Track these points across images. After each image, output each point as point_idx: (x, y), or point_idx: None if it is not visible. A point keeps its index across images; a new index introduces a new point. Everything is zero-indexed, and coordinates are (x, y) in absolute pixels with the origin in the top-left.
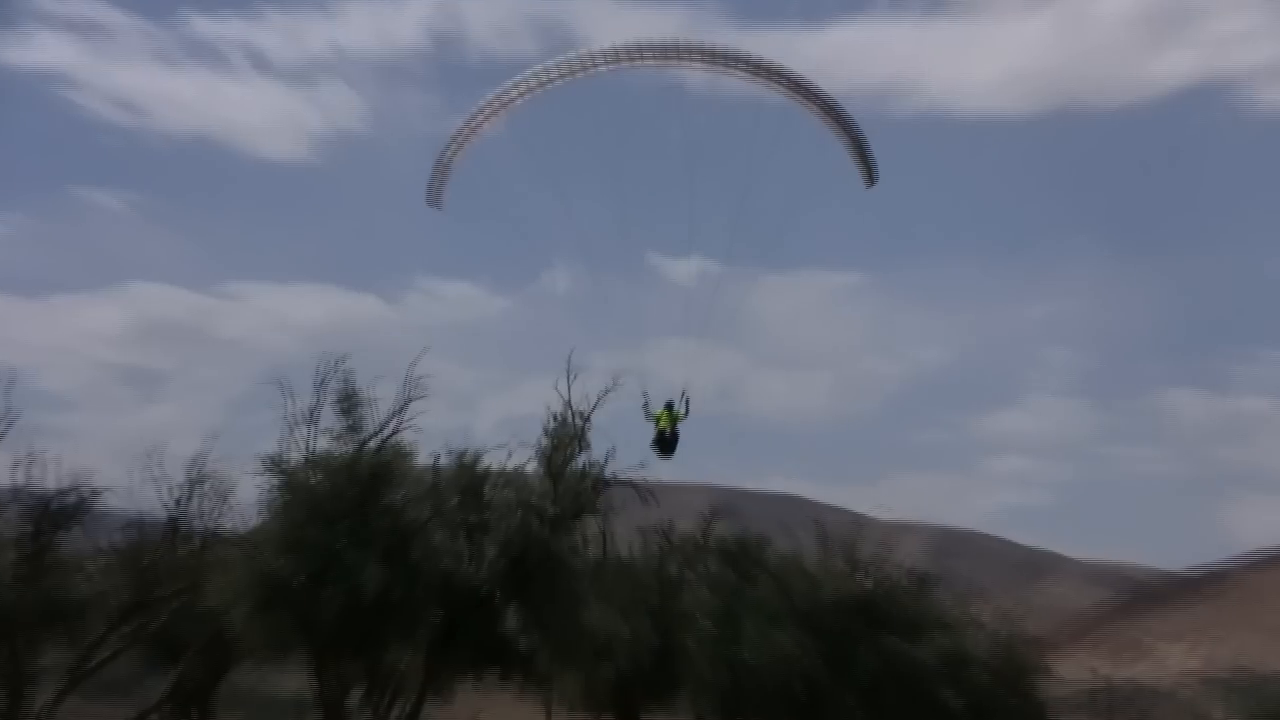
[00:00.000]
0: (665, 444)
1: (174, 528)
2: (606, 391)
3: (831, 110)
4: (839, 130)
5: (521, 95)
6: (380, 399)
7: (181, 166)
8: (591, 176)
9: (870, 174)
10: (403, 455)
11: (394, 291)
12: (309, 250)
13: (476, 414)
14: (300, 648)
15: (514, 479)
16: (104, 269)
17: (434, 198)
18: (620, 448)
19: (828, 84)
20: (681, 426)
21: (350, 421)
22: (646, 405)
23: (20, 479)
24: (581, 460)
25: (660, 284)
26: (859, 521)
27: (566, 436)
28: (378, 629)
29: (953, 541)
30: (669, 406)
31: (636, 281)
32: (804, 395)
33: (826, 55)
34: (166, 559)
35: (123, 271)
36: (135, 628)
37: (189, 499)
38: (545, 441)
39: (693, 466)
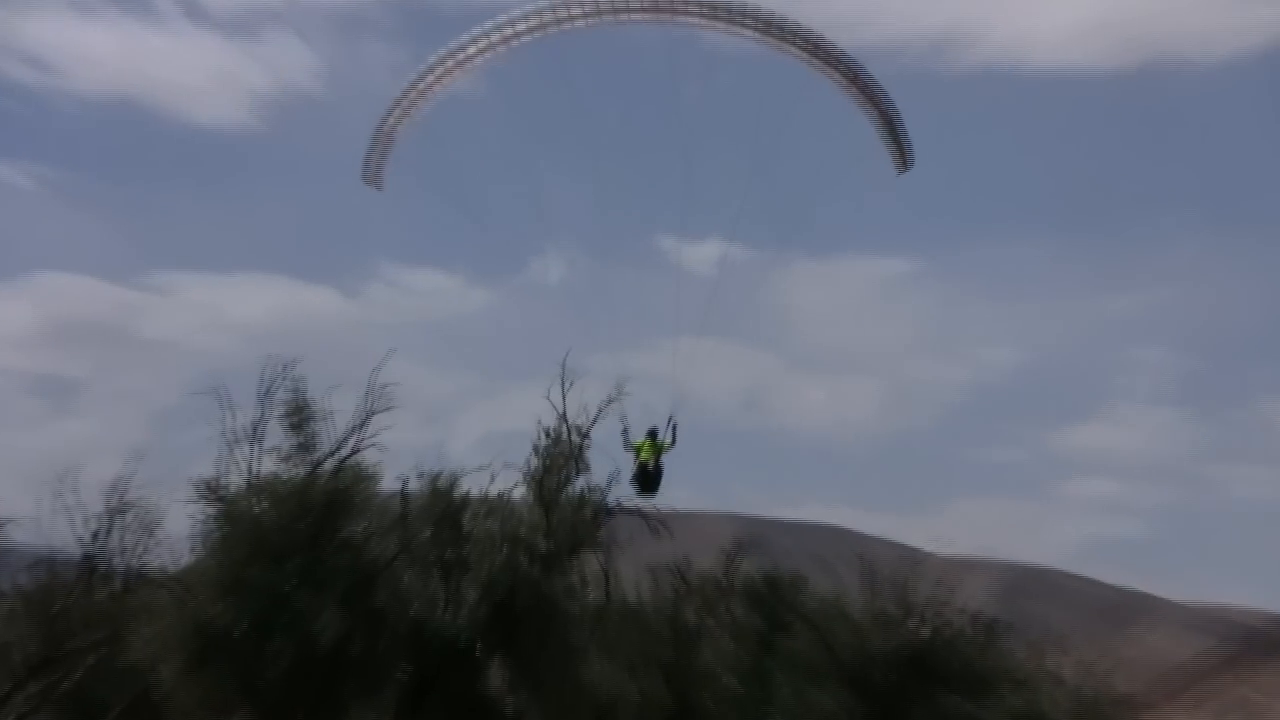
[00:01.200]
0: (647, 480)
1: (91, 567)
2: (610, 402)
3: (857, 79)
4: (865, 103)
5: (481, 52)
6: (337, 411)
7: (100, 135)
8: (591, 144)
9: (904, 157)
10: (364, 479)
11: (354, 282)
12: (252, 234)
13: (453, 429)
14: (243, 709)
15: (498, 507)
16: (8, 257)
17: (372, 174)
18: (626, 469)
19: (873, 33)
20: (694, 447)
21: (301, 439)
22: (626, 433)
23: None
24: (579, 485)
25: (673, 272)
26: (913, 557)
27: (561, 456)
28: (335, 687)
29: (1026, 581)
30: (652, 435)
31: (645, 269)
32: (847, 405)
33: None
34: (82, 604)
35: (30, 260)
36: (45, 686)
37: (108, 532)
38: (536, 462)
39: (714, 491)
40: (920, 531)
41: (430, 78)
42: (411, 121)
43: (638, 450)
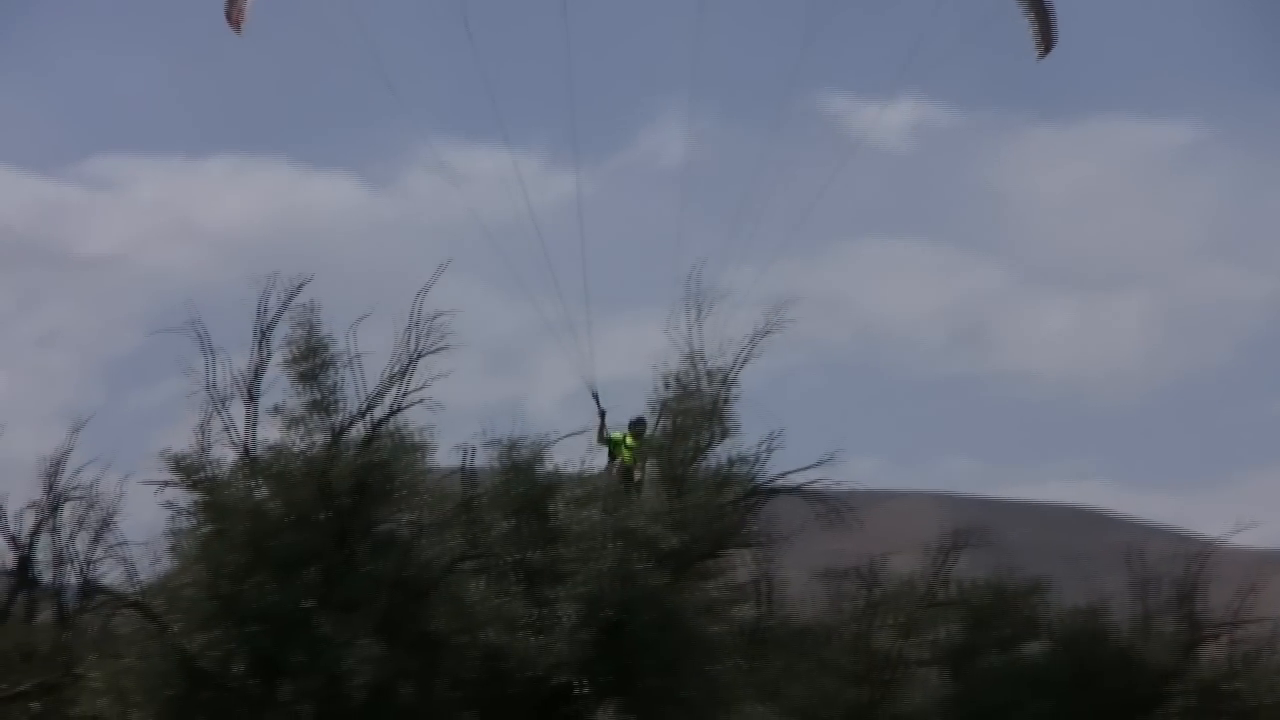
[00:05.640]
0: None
1: (26, 580)
2: (762, 334)
3: None
4: None
5: None
6: (367, 354)
7: None
8: None
9: (1045, 32)
10: (410, 450)
11: (383, 167)
12: (233, 99)
13: (533, 378)
14: None
15: (603, 489)
16: None
17: (235, 10)
18: (791, 430)
19: None
20: (882, 404)
21: (318, 394)
22: (603, 422)
23: None
24: (721, 454)
25: (846, 144)
26: (1202, 552)
27: (693, 414)
28: None
29: None
30: (637, 427)
31: (804, 141)
32: (1104, 336)
33: None
34: (15, 634)
35: None
36: None
37: (43, 531)
38: (657, 423)
39: (916, 464)
40: (1211, 515)
41: None
42: None
43: (613, 445)
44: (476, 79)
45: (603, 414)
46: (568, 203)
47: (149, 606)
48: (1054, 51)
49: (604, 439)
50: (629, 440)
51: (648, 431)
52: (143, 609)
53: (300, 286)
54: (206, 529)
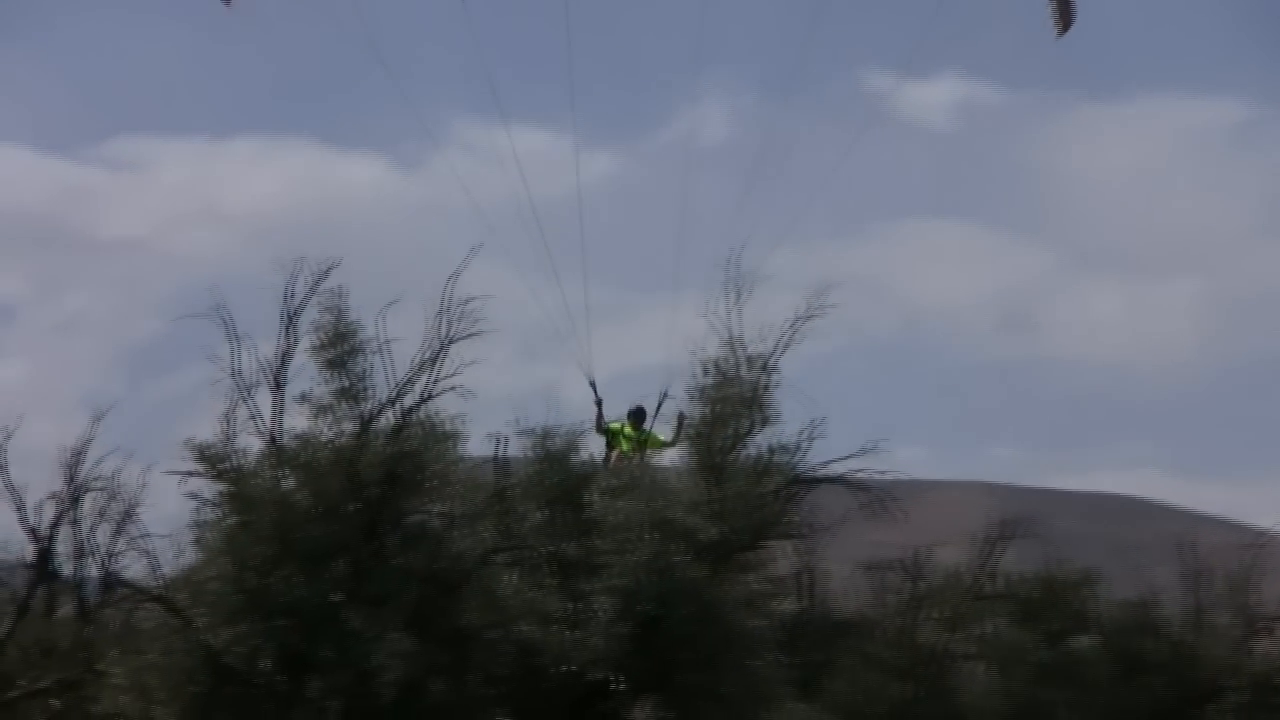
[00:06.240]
0: None
1: (45, 574)
2: (804, 319)
3: None
4: None
5: None
6: (397, 340)
7: None
8: None
9: (1065, 14)
10: (441, 439)
11: (413, 148)
12: (258, 77)
13: (567, 365)
14: None
15: (640, 479)
16: None
17: None
18: (833, 418)
19: None
20: (928, 391)
21: (346, 381)
22: (600, 411)
23: None
24: (761, 442)
25: (890, 124)
26: (1255, 542)
27: (733, 401)
28: None
29: None
30: (636, 417)
31: (849, 120)
32: (1155, 321)
33: None
34: (35, 628)
35: None
36: None
37: (64, 523)
38: (696, 411)
39: (961, 452)
40: (1265, 505)
41: None
42: None
43: (610, 435)
44: (502, 59)
45: (599, 403)
46: (601, 183)
47: (172, 600)
48: (1101, 28)
49: (602, 429)
50: (627, 430)
51: (647, 422)
52: (166, 603)
53: (328, 271)
54: (231, 520)
